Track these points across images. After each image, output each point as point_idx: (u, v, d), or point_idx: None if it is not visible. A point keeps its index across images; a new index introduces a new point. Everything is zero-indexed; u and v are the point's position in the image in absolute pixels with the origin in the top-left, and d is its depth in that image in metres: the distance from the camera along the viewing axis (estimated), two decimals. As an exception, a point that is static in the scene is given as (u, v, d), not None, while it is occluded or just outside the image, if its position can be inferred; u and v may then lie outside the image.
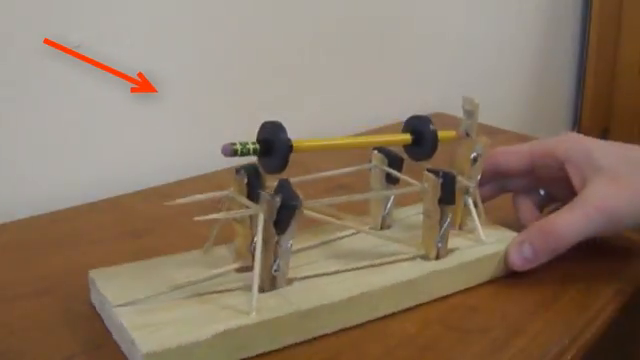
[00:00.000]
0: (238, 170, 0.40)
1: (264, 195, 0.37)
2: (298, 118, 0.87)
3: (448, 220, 0.42)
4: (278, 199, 0.36)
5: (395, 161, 0.47)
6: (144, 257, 0.48)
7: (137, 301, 0.36)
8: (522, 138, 0.83)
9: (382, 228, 0.48)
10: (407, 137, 0.45)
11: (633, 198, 0.42)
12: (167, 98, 0.68)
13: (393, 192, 0.47)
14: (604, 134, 1.34)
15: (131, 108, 0.65)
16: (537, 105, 1.26)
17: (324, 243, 0.45)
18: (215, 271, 0.39)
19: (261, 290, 0.36)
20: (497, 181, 0.51)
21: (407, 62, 0.95)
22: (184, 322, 0.34)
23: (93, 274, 0.40)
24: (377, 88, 0.90)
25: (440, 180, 0.42)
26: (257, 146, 0.37)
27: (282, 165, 0.38)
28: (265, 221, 0.36)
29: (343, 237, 0.46)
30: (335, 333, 0.37)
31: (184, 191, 0.62)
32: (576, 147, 0.46)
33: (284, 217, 0.37)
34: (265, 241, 0.37)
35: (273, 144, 0.38)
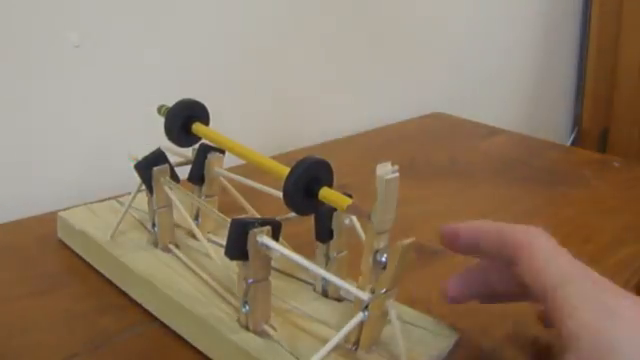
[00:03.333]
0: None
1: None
2: (298, 118, 0.87)
3: None
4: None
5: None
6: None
7: None
8: (522, 138, 0.84)
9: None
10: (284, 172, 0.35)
11: None
12: (167, 98, 0.68)
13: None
14: (604, 134, 1.34)
15: (131, 108, 0.65)
16: (537, 105, 1.26)
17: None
18: None
19: None
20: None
21: (407, 62, 0.95)
22: None
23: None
24: (377, 88, 0.90)
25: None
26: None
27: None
28: None
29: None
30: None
31: (184, 191, 0.62)
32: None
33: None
34: None
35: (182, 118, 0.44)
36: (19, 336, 0.38)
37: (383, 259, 0.32)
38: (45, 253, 0.49)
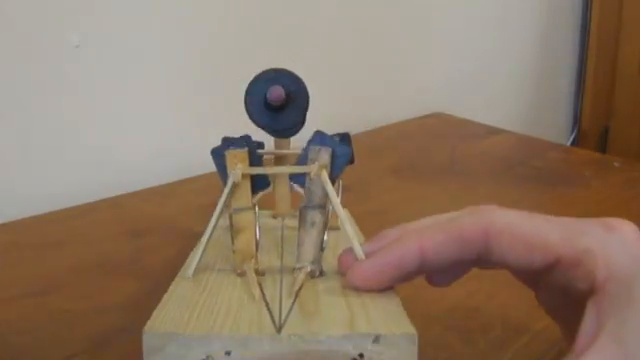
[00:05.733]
0: (231, 142, 0.32)
1: (316, 148, 0.31)
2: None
3: None
4: (330, 148, 0.31)
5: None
6: (144, 257, 0.48)
7: None
8: (522, 138, 0.84)
9: None
10: None
11: None
12: (167, 97, 0.68)
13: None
14: (604, 134, 1.34)
15: (130, 108, 0.65)
16: (537, 105, 1.26)
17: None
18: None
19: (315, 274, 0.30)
20: None
21: (407, 62, 0.95)
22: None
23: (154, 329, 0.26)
24: (377, 88, 0.90)
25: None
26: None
27: (302, 120, 0.33)
28: (324, 177, 0.30)
29: None
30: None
31: (184, 191, 0.62)
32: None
33: (336, 168, 0.31)
34: (322, 207, 0.30)
35: (292, 95, 0.33)
36: (19, 336, 0.38)
37: None
38: (45, 253, 0.49)
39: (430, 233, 0.28)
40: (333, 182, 0.31)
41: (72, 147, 0.62)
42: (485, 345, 0.37)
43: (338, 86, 0.85)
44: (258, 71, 0.80)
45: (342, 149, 0.31)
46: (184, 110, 0.69)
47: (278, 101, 0.32)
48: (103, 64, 0.62)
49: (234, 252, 0.31)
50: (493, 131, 0.85)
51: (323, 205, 0.30)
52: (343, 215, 0.30)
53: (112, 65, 0.62)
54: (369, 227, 0.53)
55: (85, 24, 0.60)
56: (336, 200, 0.30)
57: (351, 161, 0.36)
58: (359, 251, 0.28)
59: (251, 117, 0.34)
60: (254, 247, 0.31)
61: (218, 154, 0.31)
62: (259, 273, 0.30)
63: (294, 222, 0.37)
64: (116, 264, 0.47)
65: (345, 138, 0.41)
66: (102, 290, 0.43)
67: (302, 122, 0.34)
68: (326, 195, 0.30)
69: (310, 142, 0.32)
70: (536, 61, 1.23)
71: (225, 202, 0.30)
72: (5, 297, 0.42)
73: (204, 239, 0.31)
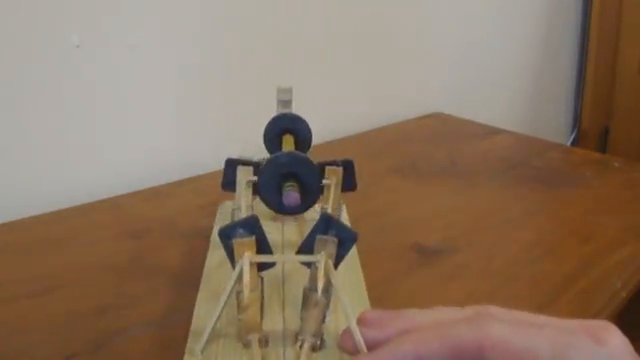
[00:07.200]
0: (238, 227, 0.32)
1: (323, 238, 0.32)
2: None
3: None
4: (336, 238, 0.32)
5: None
6: (144, 257, 0.48)
7: None
8: (522, 138, 0.84)
9: None
10: None
11: None
12: (167, 98, 0.68)
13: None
14: (604, 134, 1.34)
15: (130, 108, 0.65)
16: (537, 105, 1.26)
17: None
18: None
19: (315, 348, 0.32)
20: None
21: (407, 62, 0.95)
22: None
23: None
24: (378, 88, 0.90)
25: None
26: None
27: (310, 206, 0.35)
28: (329, 267, 0.32)
29: None
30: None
31: (184, 191, 0.62)
32: None
33: (339, 255, 0.33)
34: (325, 290, 0.32)
35: (307, 184, 0.35)
36: (19, 336, 0.38)
37: None
38: (45, 253, 0.49)
39: (426, 339, 0.29)
40: (336, 267, 0.32)
41: (72, 147, 0.62)
42: None
43: (339, 86, 0.85)
44: (258, 72, 0.80)
45: (348, 234, 0.32)
46: (184, 110, 0.69)
47: (294, 206, 0.33)
48: (103, 64, 0.62)
49: (240, 320, 0.32)
50: (493, 131, 0.85)
51: (326, 289, 0.32)
52: (347, 304, 0.31)
53: (112, 65, 0.62)
54: (369, 227, 0.53)
55: (85, 24, 0.60)
56: (341, 290, 0.31)
57: (353, 188, 0.37)
58: (361, 343, 0.30)
59: (264, 202, 0.36)
60: (259, 319, 0.32)
61: (227, 237, 0.32)
62: (263, 344, 0.32)
63: (294, 232, 0.40)
64: (116, 264, 0.47)
65: (348, 166, 0.41)
66: (102, 290, 0.43)
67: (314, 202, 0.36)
68: (330, 281, 0.32)
69: (316, 229, 0.32)
70: (536, 61, 1.23)
71: (232, 289, 0.31)
72: (5, 297, 0.42)
73: (211, 323, 0.32)
